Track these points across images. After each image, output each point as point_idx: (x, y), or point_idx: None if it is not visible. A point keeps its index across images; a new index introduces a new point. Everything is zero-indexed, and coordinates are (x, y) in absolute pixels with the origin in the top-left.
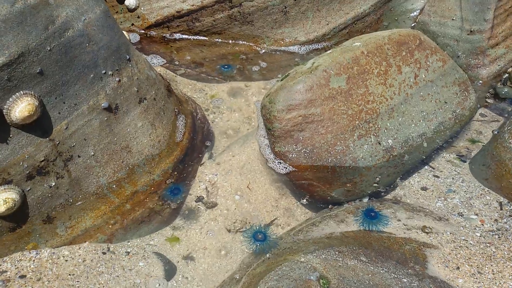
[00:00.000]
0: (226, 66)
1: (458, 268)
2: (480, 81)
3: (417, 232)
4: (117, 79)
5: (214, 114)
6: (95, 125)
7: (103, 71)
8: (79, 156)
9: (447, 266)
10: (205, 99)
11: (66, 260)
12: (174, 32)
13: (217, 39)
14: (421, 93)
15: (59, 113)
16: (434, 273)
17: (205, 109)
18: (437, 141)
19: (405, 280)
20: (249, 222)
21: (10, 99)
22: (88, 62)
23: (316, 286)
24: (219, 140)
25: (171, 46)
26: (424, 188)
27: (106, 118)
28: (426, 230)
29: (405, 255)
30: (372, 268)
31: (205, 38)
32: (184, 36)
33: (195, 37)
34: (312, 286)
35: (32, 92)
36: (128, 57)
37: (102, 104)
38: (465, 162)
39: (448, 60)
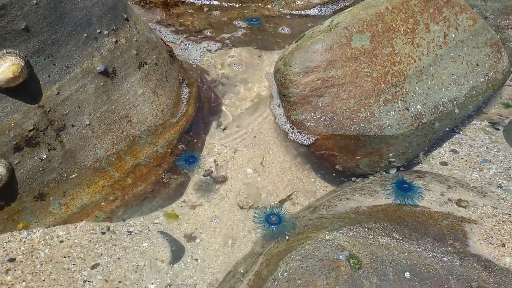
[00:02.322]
0: (254, 20)
1: (503, 245)
2: None
3: (454, 206)
4: (113, 40)
5: (222, 84)
6: (90, 90)
7: (98, 31)
8: (73, 126)
9: (490, 243)
10: (211, 67)
11: (61, 241)
12: None
13: (223, 2)
14: (451, 54)
15: (49, 76)
16: (477, 251)
17: (212, 78)
18: (469, 107)
19: (445, 259)
20: (263, 198)
21: None
22: (81, 20)
23: (346, 266)
24: (228, 110)
25: (173, 12)
26: (456, 158)
27: (102, 83)
28: (462, 204)
29: (442, 231)
30: (407, 246)
31: (209, 2)
32: (187, 0)
33: (199, 1)
34: (342, 266)
35: (17, 51)
36: (125, 16)
37: (98, 67)
38: (498, 129)
39: (479, 19)
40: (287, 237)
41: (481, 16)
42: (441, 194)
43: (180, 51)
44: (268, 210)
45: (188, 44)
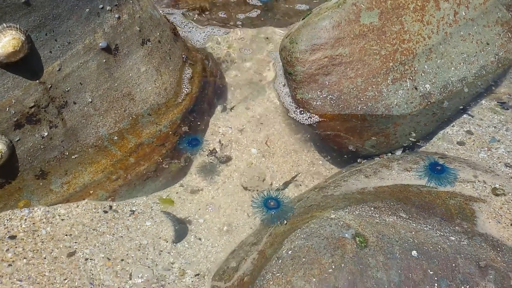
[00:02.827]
0: None
1: None
2: None
3: (462, 185)
4: (116, 15)
5: (226, 63)
6: (92, 67)
7: (101, 6)
8: (74, 103)
9: (499, 222)
10: (216, 48)
11: (63, 219)
12: None
13: None
14: (461, 33)
15: (51, 52)
16: (485, 230)
17: (217, 58)
18: (479, 86)
19: (453, 238)
20: (268, 179)
21: None
22: None
23: (351, 244)
24: (233, 91)
25: None
26: (464, 138)
27: (104, 60)
28: (498, 192)
29: (450, 211)
30: (414, 225)
31: None
32: None
33: None
34: (347, 245)
35: (18, 26)
36: None
37: (100, 44)
38: (508, 109)
39: None
40: (285, 222)
41: None
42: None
43: (186, 31)
44: (266, 194)
45: (194, 24)
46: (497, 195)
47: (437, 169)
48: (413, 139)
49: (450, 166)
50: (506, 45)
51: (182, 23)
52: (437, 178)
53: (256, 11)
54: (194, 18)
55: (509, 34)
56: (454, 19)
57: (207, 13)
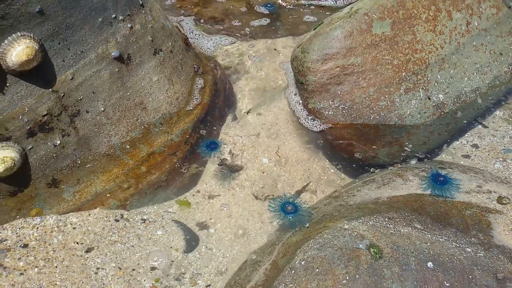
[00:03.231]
0: (269, 5)
1: None
2: None
3: (478, 196)
4: (129, 25)
5: (237, 73)
6: (104, 76)
7: (113, 16)
8: (87, 112)
9: None
10: (227, 57)
11: (74, 228)
12: None
13: None
14: (474, 43)
15: (63, 60)
16: (502, 242)
17: (227, 68)
18: (492, 97)
19: (469, 250)
20: (279, 189)
21: (6, 41)
22: (96, 4)
23: (366, 255)
24: (243, 100)
25: (188, 0)
26: (479, 148)
27: (117, 69)
28: (504, 201)
29: (466, 222)
30: (429, 236)
31: None
32: None
33: None
34: (362, 256)
35: (32, 35)
36: (141, 2)
37: (113, 53)
38: None
39: (503, 7)
40: (307, 225)
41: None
42: (464, 184)
43: (196, 40)
44: (283, 199)
45: (205, 33)
46: (503, 204)
47: (440, 180)
48: (427, 149)
49: (452, 176)
50: None
51: (192, 31)
52: (440, 189)
53: (266, 20)
54: (205, 28)
55: None
56: (467, 29)
57: (218, 22)
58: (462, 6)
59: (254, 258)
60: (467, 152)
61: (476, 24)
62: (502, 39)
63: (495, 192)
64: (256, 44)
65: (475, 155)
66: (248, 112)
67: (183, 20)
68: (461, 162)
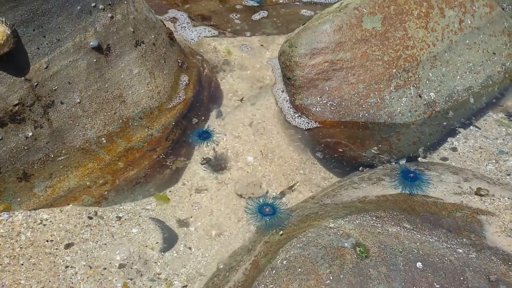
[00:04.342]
0: None
1: None
2: None
3: (469, 197)
4: (109, 15)
5: (223, 71)
6: (81, 66)
7: (93, 4)
8: (62, 103)
9: (509, 236)
10: (213, 55)
11: (44, 225)
12: None
13: None
14: (467, 41)
15: (38, 48)
16: (495, 243)
17: (214, 65)
18: (485, 97)
19: (460, 251)
20: (264, 188)
21: None
22: None
23: (351, 254)
24: (229, 98)
25: None
26: (471, 150)
27: (95, 60)
28: (482, 192)
29: (457, 223)
30: (419, 236)
31: None
32: None
33: None
34: (347, 255)
35: (3, 19)
36: None
37: (91, 43)
38: None
39: (496, 6)
40: (281, 232)
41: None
42: (454, 185)
43: (183, 36)
44: (261, 200)
45: (191, 29)
46: (480, 194)
47: (409, 177)
48: (417, 149)
49: (423, 172)
50: None
51: (180, 25)
52: (410, 185)
53: (256, 17)
54: (194, 24)
55: None
56: (460, 27)
57: (206, 19)
58: (455, 4)
59: (234, 257)
60: (459, 153)
61: (469, 22)
62: (495, 38)
63: (493, 195)
64: (245, 40)
65: (467, 156)
66: (241, 100)
67: (171, 14)
68: (452, 163)
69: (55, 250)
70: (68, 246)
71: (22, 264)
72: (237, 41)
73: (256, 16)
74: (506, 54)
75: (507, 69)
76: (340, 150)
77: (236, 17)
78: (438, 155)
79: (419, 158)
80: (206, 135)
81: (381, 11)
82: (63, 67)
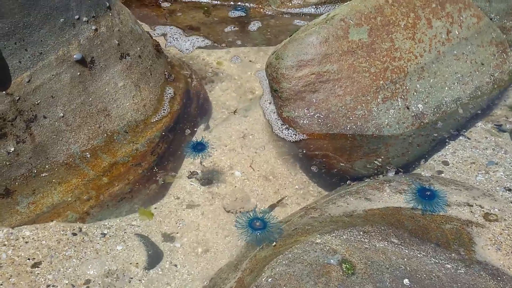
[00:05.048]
0: (239, 8)
1: None
2: None
3: (459, 209)
4: (93, 27)
5: (212, 83)
6: (65, 80)
7: (76, 17)
8: (44, 117)
9: (499, 249)
10: (202, 66)
11: (27, 242)
12: None
13: (215, 1)
14: (455, 52)
15: (20, 62)
16: (484, 258)
17: (202, 77)
18: (474, 107)
19: (449, 266)
20: (252, 202)
21: None
22: (58, 4)
23: (337, 271)
24: (217, 110)
25: (164, 9)
26: (460, 161)
27: (79, 73)
28: (491, 218)
29: (446, 236)
30: (406, 251)
31: (202, 0)
32: None
33: None
34: (333, 272)
35: None
36: (108, 4)
37: (74, 56)
38: (505, 131)
39: (483, 17)
40: (274, 243)
41: None
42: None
43: (171, 48)
44: (252, 214)
45: (179, 41)
46: (490, 220)
47: (427, 195)
48: (405, 161)
49: (440, 189)
50: (502, 66)
51: (172, 36)
52: (428, 204)
53: (243, 28)
54: (182, 36)
55: (504, 55)
56: (447, 38)
57: (195, 30)
58: (442, 14)
59: (220, 275)
60: (448, 165)
61: (457, 33)
62: (483, 49)
63: (477, 205)
64: (234, 51)
65: (456, 168)
66: (235, 111)
67: (159, 26)
68: (442, 174)
69: (36, 269)
70: (50, 263)
71: (1, 284)
72: (226, 52)
73: (244, 27)
74: (494, 65)
75: (496, 79)
76: (328, 162)
77: (225, 28)
78: (427, 167)
79: (407, 171)
80: (201, 147)
81: (367, 22)
82: (46, 81)
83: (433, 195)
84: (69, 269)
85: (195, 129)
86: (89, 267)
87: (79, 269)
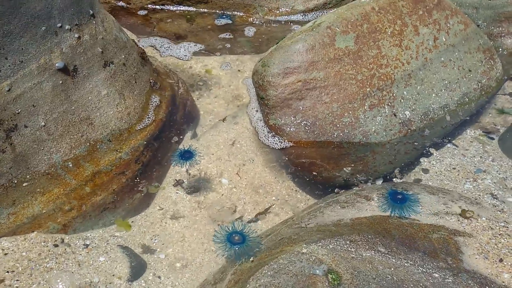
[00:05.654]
0: (224, 16)
1: (501, 260)
2: (505, 51)
3: (446, 218)
4: (76, 35)
5: (199, 90)
6: (47, 89)
7: (59, 25)
8: (26, 126)
9: (486, 258)
10: (189, 74)
11: (6, 254)
12: (154, 2)
13: (203, 9)
14: (442, 59)
15: (0, 70)
16: (472, 267)
17: (190, 85)
18: (461, 114)
19: (436, 275)
20: (238, 211)
21: None
22: (40, 12)
23: (323, 282)
24: (204, 118)
25: (151, 18)
26: (448, 168)
27: (61, 82)
28: (467, 214)
29: (433, 245)
30: (393, 260)
31: (189, 8)
32: (165, 7)
33: (178, 8)
34: (319, 283)
35: None
36: (91, 12)
37: (56, 64)
38: (493, 139)
39: (470, 23)
40: (251, 259)
41: None
42: (431, 206)
43: (158, 56)
44: (231, 228)
45: (167, 49)
46: (466, 217)
47: (398, 198)
48: (393, 168)
49: (412, 193)
50: (489, 73)
51: (156, 45)
52: (399, 208)
53: (231, 35)
54: (170, 44)
55: (492, 61)
56: (434, 45)
57: (182, 39)
58: (429, 21)
59: (205, 287)
60: (436, 172)
61: (444, 40)
62: (470, 55)
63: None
64: (222, 59)
65: (444, 175)
66: (224, 119)
67: (146, 35)
68: (429, 182)
69: (16, 282)
70: (30, 276)
71: None
72: (214, 60)
73: (232, 35)
74: (482, 71)
75: (483, 86)
76: (316, 170)
77: (212, 36)
78: (414, 175)
79: (394, 179)
80: (188, 155)
81: (354, 29)
82: (27, 90)
83: (405, 199)
84: (50, 282)
85: (182, 137)
86: (71, 279)
87: (61, 281)
